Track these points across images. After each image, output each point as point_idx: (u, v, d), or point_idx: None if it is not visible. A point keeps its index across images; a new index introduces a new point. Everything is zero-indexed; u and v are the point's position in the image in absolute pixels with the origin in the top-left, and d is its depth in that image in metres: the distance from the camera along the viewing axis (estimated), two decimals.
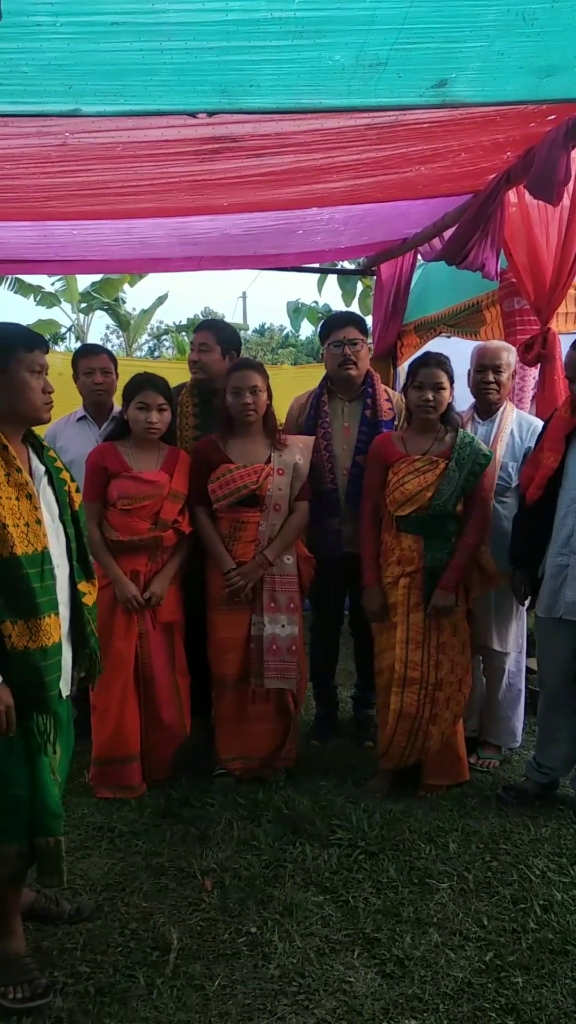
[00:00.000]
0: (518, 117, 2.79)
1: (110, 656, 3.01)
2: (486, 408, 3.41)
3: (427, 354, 3.16)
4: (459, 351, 3.80)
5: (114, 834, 2.87)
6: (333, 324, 3.55)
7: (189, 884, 2.56)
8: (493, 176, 3.34)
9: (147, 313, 16.33)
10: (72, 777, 2.86)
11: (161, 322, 22.73)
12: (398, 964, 2.18)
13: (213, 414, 3.39)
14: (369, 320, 5.43)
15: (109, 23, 1.90)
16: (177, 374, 3.93)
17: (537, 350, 3.55)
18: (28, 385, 2.05)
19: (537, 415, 3.50)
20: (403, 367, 5.11)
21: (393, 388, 4.74)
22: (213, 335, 3.55)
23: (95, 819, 2.98)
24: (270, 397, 3.23)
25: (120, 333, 18.22)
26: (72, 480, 2.26)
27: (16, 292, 13.33)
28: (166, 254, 4.65)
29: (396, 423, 3.49)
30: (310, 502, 3.30)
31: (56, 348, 14.04)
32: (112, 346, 20.50)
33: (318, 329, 3.92)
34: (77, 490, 2.27)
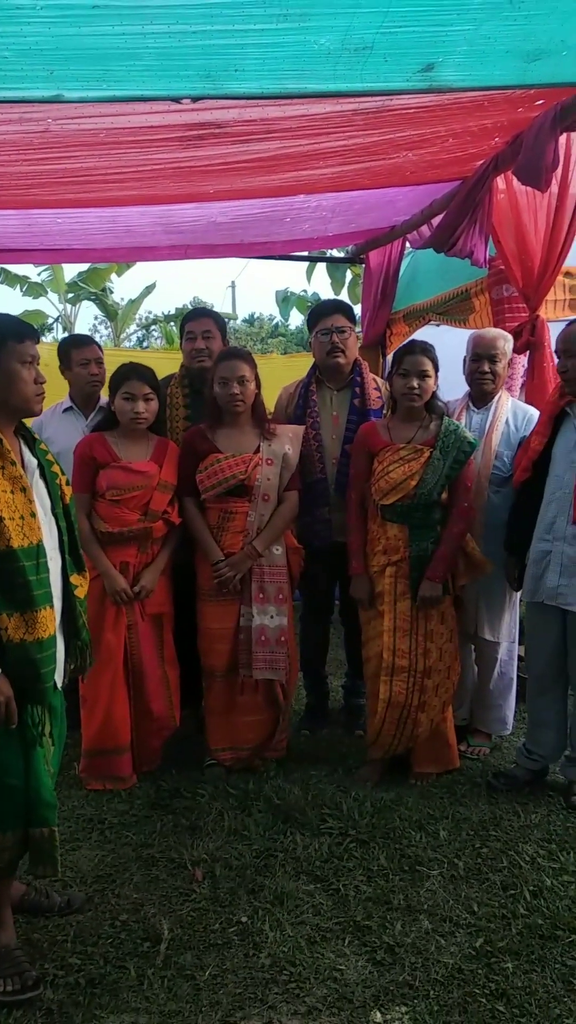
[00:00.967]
0: (506, 102, 2.77)
1: (99, 648, 3.01)
2: (481, 397, 3.40)
3: (412, 341, 3.15)
4: (448, 339, 3.80)
5: (104, 826, 2.87)
6: (321, 312, 3.53)
7: (180, 875, 2.57)
8: (481, 162, 3.31)
9: (135, 303, 16.21)
10: (62, 769, 2.86)
11: (149, 312, 22.58)
12: (388, 951, 2.19)
13: (204, 404, 3.36)
14: (358, 309, 5.42)
15: (90, 6, 1.87)
16: (166, 364, 3.90)
17: (526, 337, 3.55)
18: (19, 376, 2.04)
19: (527, 402, 3.50)
20: (392, 355, 5.10)
21: (383, 377, 4.74)
22: (214, 322, 3.53)
23: (85, 811, 2.97)
24: (258, 387, 3.21)
25: (108, 323, 18.10)
26: (63, 473, 2.25)
27: (2, 282, 13.20)
28: (152, 243, 4.61)
29: (384, 411, 3.48)
30: (299, 492, 3.29)
31: (44, 339, 13.93)
32: (100, 336, 20.37)
33: (306, 318, 3.90)
34: (68, 483, 2.26)
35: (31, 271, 13.90)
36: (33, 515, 2.01)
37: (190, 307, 17.71)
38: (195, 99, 2.44)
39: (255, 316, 29.93)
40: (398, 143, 3.05)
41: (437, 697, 3.11)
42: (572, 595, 2.89)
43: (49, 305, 15.53)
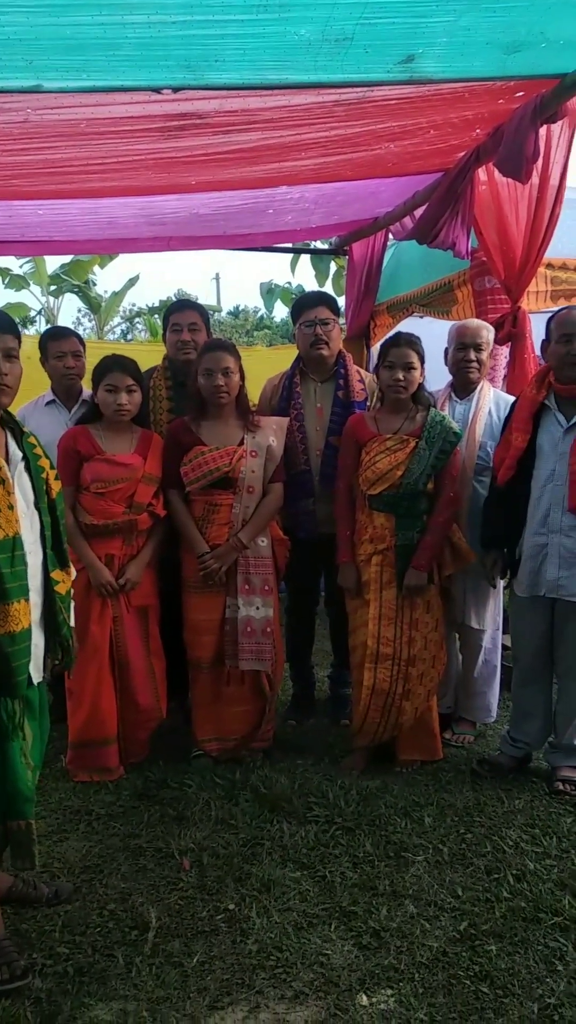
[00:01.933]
0: (487, 94, 2.78)
1: (85, 640, 3.01)
2: (464, 386, 3.42)
3: (398, 334, 3.17)
4: (432, 331, 3.81)
5: (92, 817, 2.88)
6: (304, 304, 3.53)
7: (167, 864, 2.58)
8: (463, 154, 3.33)
9: (118, 295, 16.12)
10: (49, 762, 2.87)
11: (133, 304, 22.42)
12: (374, 936, 2.22)
13: (188, 396, 3.36)
14: (342, 300, 5.43)
15: None
16: (150, 356, 3.89)
17: (508, 329, 3.57)
18: None
19: (508, 393, 3.52)
20: (376, 347, 5.11)
21: (367, 369, 4.75)
22: (199, 314, 3.53)
23: (72, 803, 2.98)
24: (243, 378, 3.22)
25: (91, 316, 17.99)
26: (52, 467, 2.23)
27: None
28: (134, 234, 4.59)
29: (369, 403, 3.49)
30: (284, 484, 3.30)
31: (26, 331, 13.83)
32: (83, 329, 20.22)
33: (290, 310, 3.91)
34: (56, 477, 2.24)
35: (13, 263, 13.80)
36: (11, 507, 2.00)
37: (174, 299, 17.59)
38: (175, 89, 2.45)
39: (240, 308, 29.81)
40: (379, 134, 3.06)
41: (422, 686, 3.14)
42: (573, 586, 2.91)
43: (31, 297, 15.45)
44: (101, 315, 16.33)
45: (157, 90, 2.44)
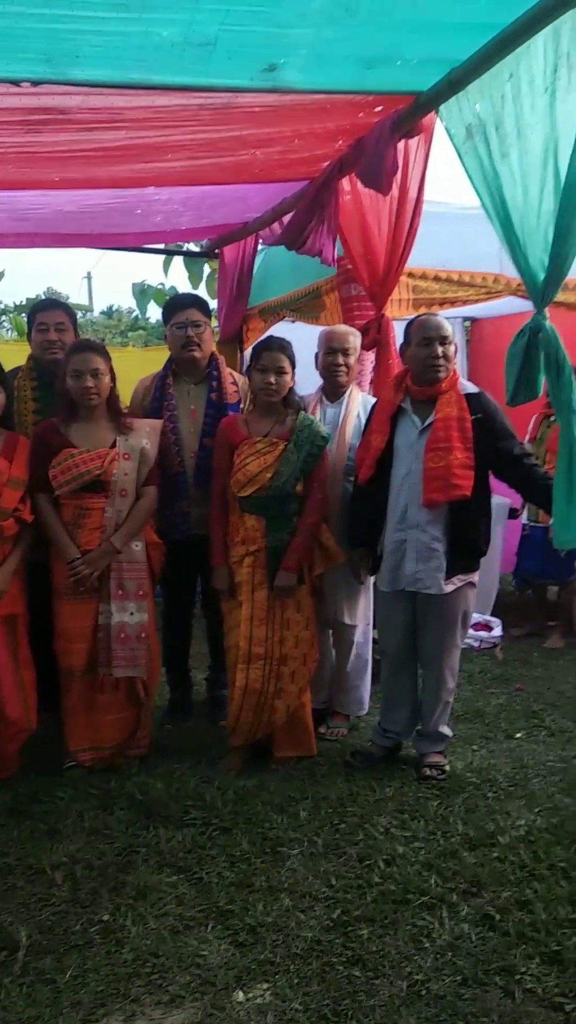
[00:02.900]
0: (348, 106, 2.87)
1: None
2: (334, 390, 3.51)
3: (270, 338, 3.22)
4: (303, 336, 3.89)
5: None
6: (175, 306, 3.52)
7: (38, 880, 2.50)
8: (327, 164, 3.42)
9: None
10: None
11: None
12: (250, 932, 2.24)
13: (56, 397, 3.27)
14: (215, 304, 5.44)
15: None
16: (17, 355, 3.75)
17: (373, 335, 3.69)
18: None
19: (375, 396, 3.65)
20: (249, 351, 5.15)
21: (240, 372, 4.78)
22: (66, 314, 3.45)
23: None
24: (113, 380, 3.16)
25: None
26: None
27: None
28: None
29: (242, 406, 3.52)
30: (158, 486, 3.27)
31: None
32: None
33: (162, 311, 3.88)
34: None
35: None
36: None
37: (44, 297, 16.99)
38: (35, 83, 2.38)
39: (113, 308, 29.14)
40: (245, 140, 3.09)
41: (293, 684, 3.19)
42: (429, 579, 3.05)
43: None
44: None
45: (16, 83, 2.37)
